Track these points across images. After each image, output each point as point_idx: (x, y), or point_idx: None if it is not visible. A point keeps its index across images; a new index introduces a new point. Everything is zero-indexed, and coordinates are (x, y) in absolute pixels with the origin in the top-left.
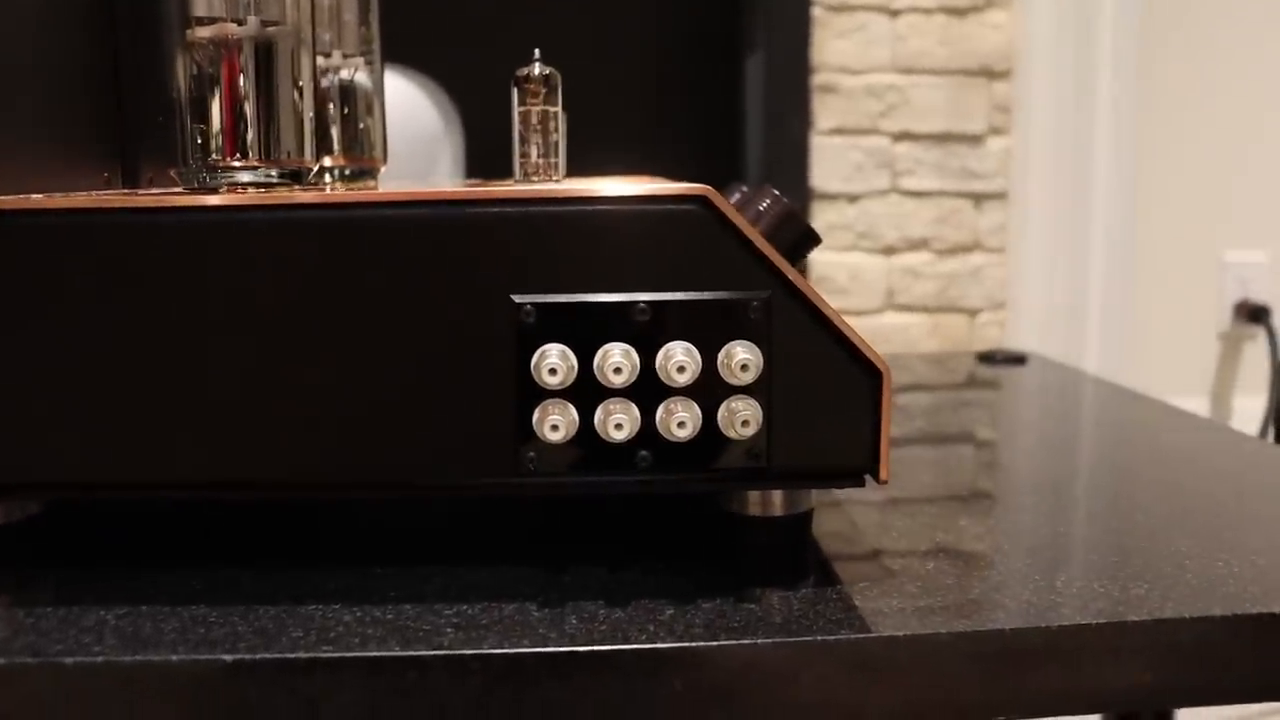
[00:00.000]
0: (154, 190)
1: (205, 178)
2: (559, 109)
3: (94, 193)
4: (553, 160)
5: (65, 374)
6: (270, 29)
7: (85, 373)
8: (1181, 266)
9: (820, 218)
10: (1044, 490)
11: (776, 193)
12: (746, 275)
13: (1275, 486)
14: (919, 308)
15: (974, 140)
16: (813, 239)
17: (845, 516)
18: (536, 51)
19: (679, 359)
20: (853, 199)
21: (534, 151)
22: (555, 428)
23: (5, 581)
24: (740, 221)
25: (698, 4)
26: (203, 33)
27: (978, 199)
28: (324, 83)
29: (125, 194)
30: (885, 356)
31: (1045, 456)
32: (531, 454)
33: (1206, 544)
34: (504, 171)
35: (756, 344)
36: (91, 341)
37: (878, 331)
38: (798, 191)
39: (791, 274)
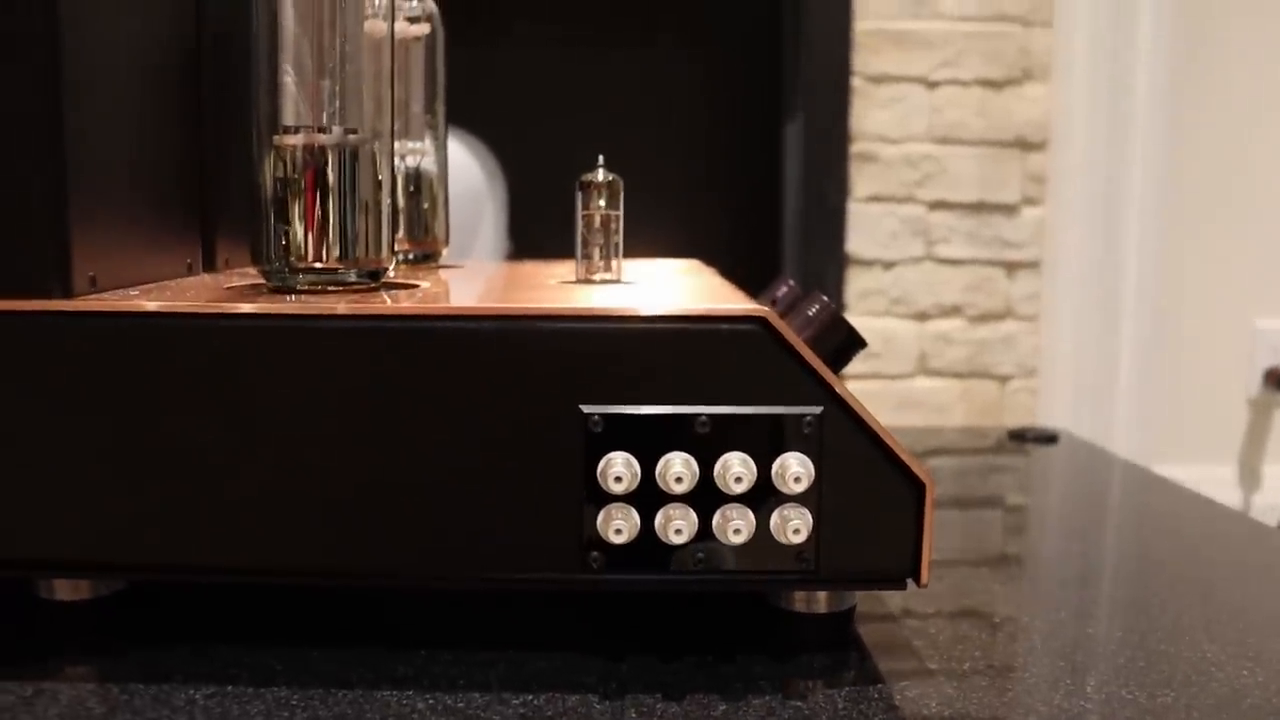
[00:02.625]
0: (245, 288)
1: (288, 276)
2: (620, 213)
3: (188, 284)
4: (613, 261)
5: (153, 464)
6: (352, 136)
7: (172, 463)
8: (1213, 333)
9: (855, 283)
10: (1071, 585)
11: (825, 298)
12: (801, 391)
13: None
14: (950, 373)
15: (1008, 210)
16: (858, 343)
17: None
18: (600, 158)
19: (736, 470)
20: (888, 265)
21: (596, 253)
22: (619, 531)
23: (98, 655)
24: (795, 341)
25: (740, 72)
26: (289, 139)
27: (1011, 267)
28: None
29: (224, 296)
30: (915, 423)
31: (1074, 548)
32: (595, 554)
33: (1232, 649)
34: (545, 228)
35: (809, 456)
36: (183, 435)
37: (909, 396)
38: (834, 257)
39: (842, 391)
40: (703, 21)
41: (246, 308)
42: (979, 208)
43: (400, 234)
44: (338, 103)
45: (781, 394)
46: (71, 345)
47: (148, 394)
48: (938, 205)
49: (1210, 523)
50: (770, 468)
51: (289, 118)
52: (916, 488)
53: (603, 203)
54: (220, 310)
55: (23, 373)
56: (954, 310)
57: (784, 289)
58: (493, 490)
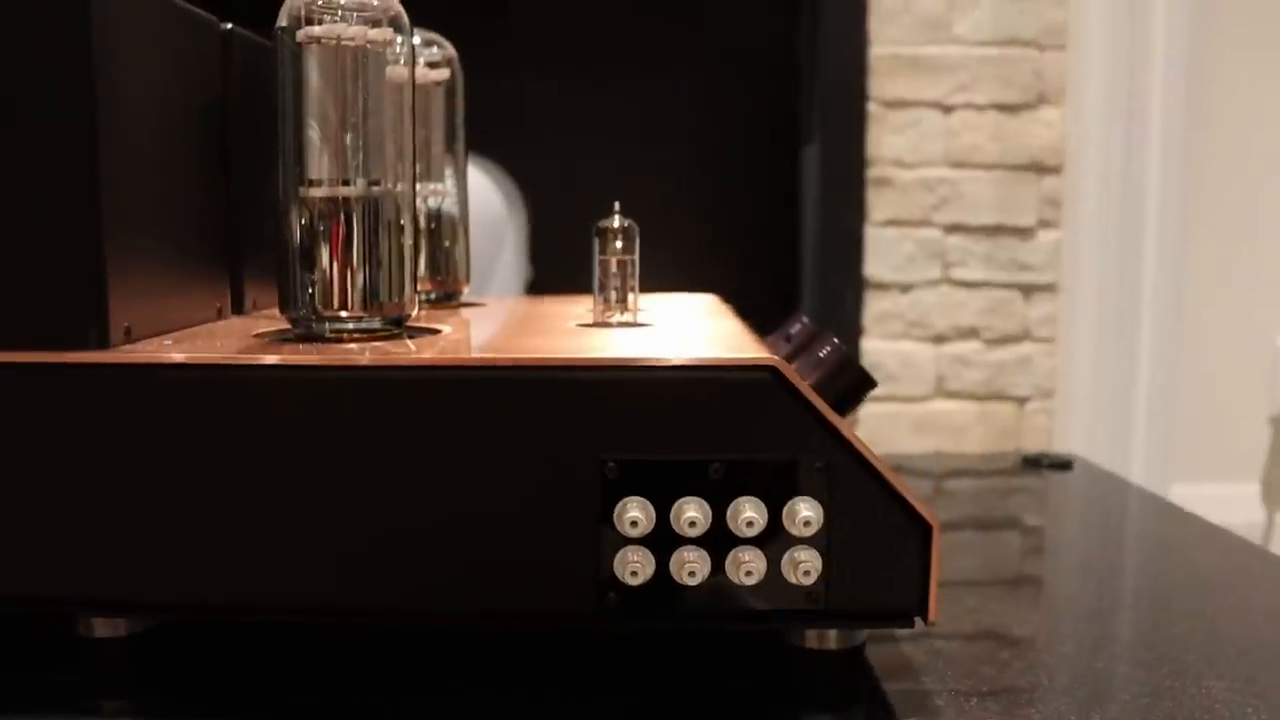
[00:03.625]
0: (272, 335)
1: (315, 324)
2: (635, 257)
3: (219, 330)
4: (629, 303)
5: (186, 508)
6: (375, 189)
7: (204, 507)
8: (1232, 351)
9: (873, 306)
10: (1081, 619)
11: (836, 340)
12: (810, 437)
13: None
14: (967, 395)
15: (1024, 233)
16: (868, 383)
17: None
18: (616, 205)
19: (748, 514)
20: (905, 288)
21: (612, 295)
22: (635, 573)
23: (131, 692)
24: (805, 389)
25: (758, 97)
26: (315, 192)
27: (1027, 290)
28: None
29: (251, 345)
30: (934, 446)
31: (1084, 580)
32: (613, 594)
33: (1238, 686)
34: (565, 253)
35: (818, 500)
36: (214, 481)
37: (926, 418)
38: (851, 280)
39: (850, 436)
40: (720, 48)
41: (271, 359)
42: (995, 231)
43: (422, 273)
44: (360, 156)
45: (792, 440)
46: (108, 394)
47: (180, 441)
48: (954, 229)
49: (1223, 555)
50: (781, 511)
51: (314, 172)
52: (923, 528)
53: (618, 246)
54: (246, 361)
55: (62, 421)
56: (971, 333)
57: (797, 326)
58: (514, 533)
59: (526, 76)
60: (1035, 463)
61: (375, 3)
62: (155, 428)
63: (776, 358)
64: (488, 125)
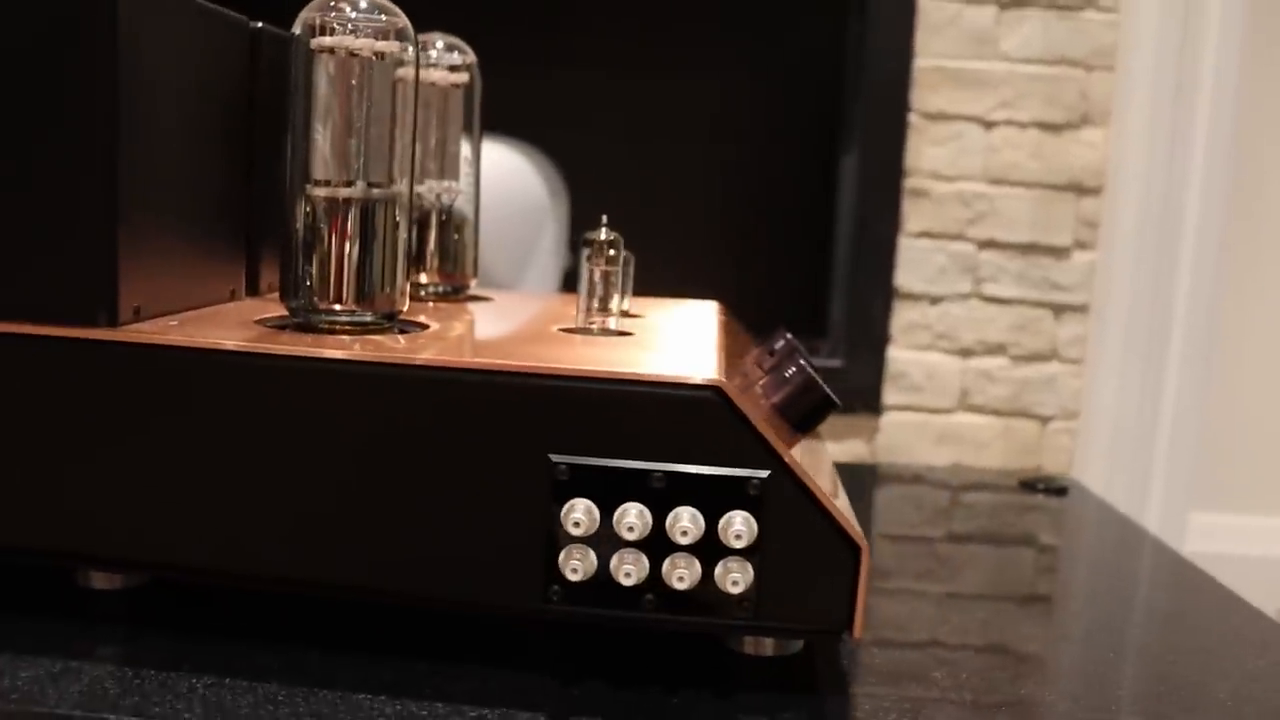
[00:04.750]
0: (268, 323)
1: (311, 315)
2: (619, 268)
3: (224, 313)
4: (611, 312)
5: (176, 477)
6: (375, 190)
7: (191, 476)
8: (1264, 382)
9: (901, 316)
10: (1038, 663)
11: (803, 362)
12: (751, 455)
13: None
14: (990, 410)
15: (1059, 252)
16: (829, 406)
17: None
18: (604, 218)
19: (684, 524)
20: (934, 300)
21: (595, 304)
22: (575, 570)
23: (121, 641)
24: (749, 408)
25: (800, 103)
26: (318, 191)
27: (1058, 310)
28: (425, 205)
29: (238, 332)
30: (954, 459)
31: (1037, 620)
32: (556, 588)
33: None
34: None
35: (753, 515)
36: (197, 452)
37: (948, 430)
38: (881, 289)
39: (788, 459)
40: (766, 52)
41: (246, 347)
42: (1029, 249)
43: (432, 267)
44: (362, 160)
45: (733, 457)
46: (110, 369)
47: (172, 414)
48: (987, 244)
49: (1193, 596)
50: (718, 523)
51: (318, 172)
52: (854, 550)
53: (603, 259)
54: (228, 347)
55: (68, 391)
56: (998, 348)
57: (781, 342)
58: (467, 525)
59: (574, 67)
60: (1031, 486)
61: (383, 17)
62: (151, 401)
63: (721, 379)
64: (534, 114)
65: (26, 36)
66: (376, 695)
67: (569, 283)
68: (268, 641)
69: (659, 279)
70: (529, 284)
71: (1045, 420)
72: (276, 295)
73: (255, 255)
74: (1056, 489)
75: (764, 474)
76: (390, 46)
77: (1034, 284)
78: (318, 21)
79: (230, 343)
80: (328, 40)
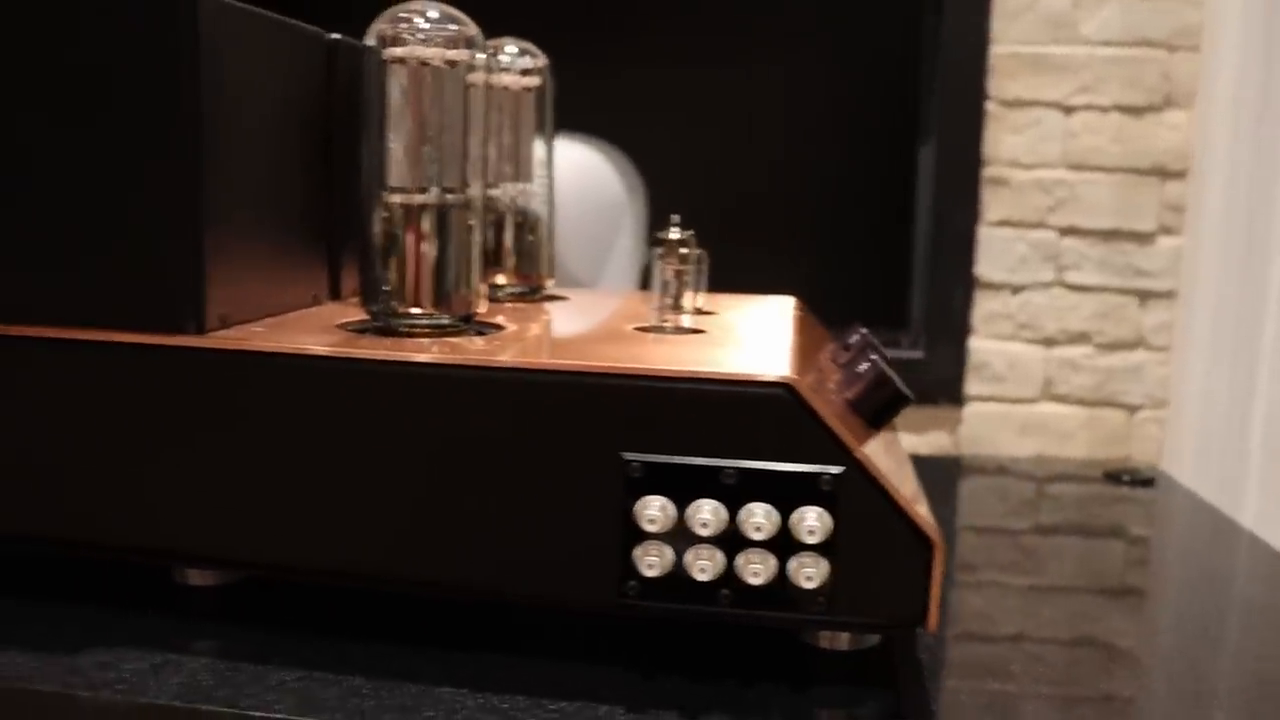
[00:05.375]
0: (349, 328)
1: (391, 318)
2: (691, 267)
3: (308, 318)
4: (683, 310)
5: (265, 478)
6: (449, 196)
7: (278, 478)
8: None
9: (983, 306)
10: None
11: (875, 357)
12: (822, 451)
13: None
14: (1075, 399)
15: (1143, 238)
16: (903, 400)
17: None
18: (675, 217)
19: (757, 519)
20: (1016, 290)
21: (670, 302)
22: (651, 566)
23: (216, 635)
24: (821, 404)
25: (875, 93)
26: (394, 198)
27: (1143, 296)
28: (500, 207)
29: (319, 338)
30: (1035, 451)
31: (1124, 615)
32: (632, 583)
33: None
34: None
35: (827, 510)
36: (284, 454)
37: (1032, 420)
38: (961, 280)
39: (860, 454)
40: (840, 43)
41: (332, 351)
42: (1113, 235)
43: (509, 268)
44: (436, 166)
45: (805, 453)
46: (198, 375)
47: (259, 418)
48: (1069, 231)
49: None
50: (790, 518)
51: (393, 179)
52: (927, 546)
53: (675, 258)
54: (314, 352)
55: (158, 396)
56: (1082, 337)
57: (855, 337)
58: (545, 521)
59: (647, 63)
60: (1116, 477)
61: (454, 26)
62: (237, 405)
63: (793, 376)
64: (608, 111)
65: (114, 53)
66: (459, 688)
67: (648, 278)
68: (353, 636)
69: (736, 273)
70: (608, 280)
71: (1132, 409)
72: (358, 300)
73: (336, 260)
74: (1142, 480)
75: (836, 470)
76: (461, 54)
77: (1118, 271)
78: (389, 33)
79: (311, 348)
80: (399, 51)
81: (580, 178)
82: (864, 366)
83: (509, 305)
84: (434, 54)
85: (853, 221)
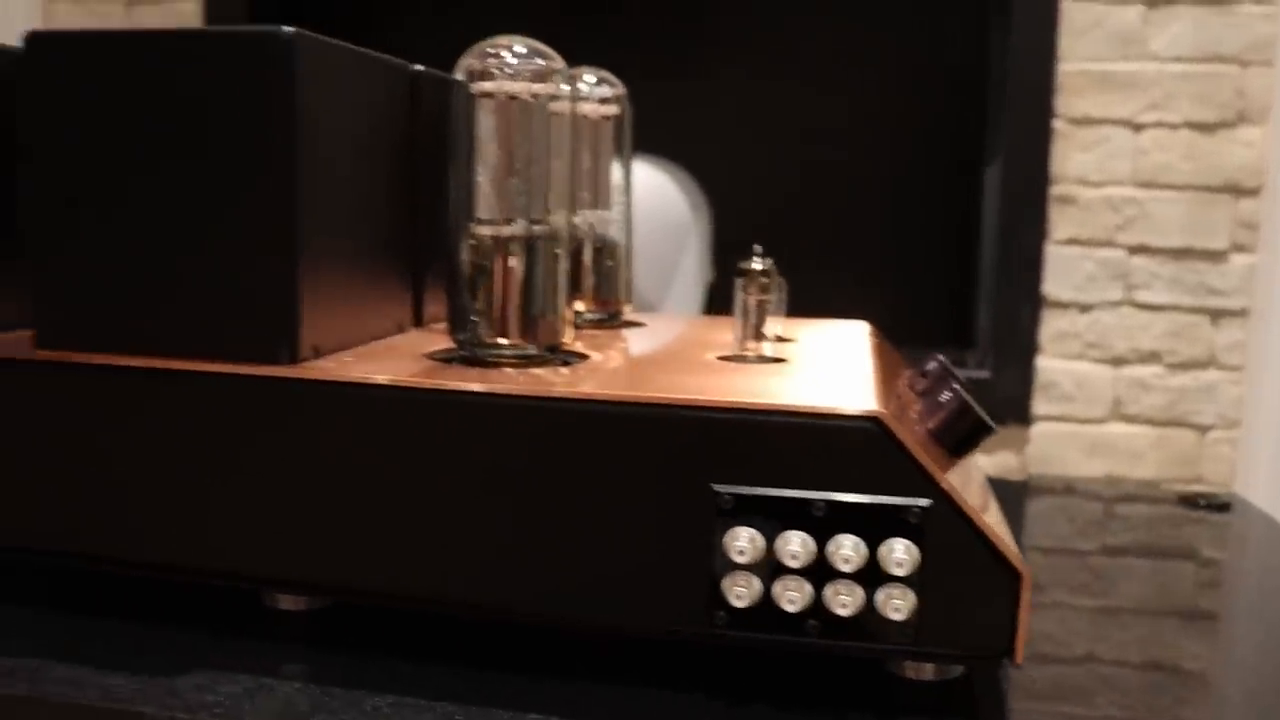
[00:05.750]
0: (438, 356)
1: (478, 349)
2: (772, 297)
3: (395, 347)
4: (764, 338)
5: (356, 506)
6: (536, 228)
7: (369, 505)
8: None
9: (1050, 325)
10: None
11: (957, 386)
12: (910, 484)
13: None
14: (1145, 420)
15: (1215, 256)
16: (985, 430)
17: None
18: (757, 248)
19: (846, 551)
20: (1084, 308)
21: (751, 332)
22: (740, 596)
23: (307, 660)
24: (906, 436)
25: (942, 111)
26: (481, 229)
27: (1215, 315)
28: (579, 234)
29: (414, 368)
30: (1104, 471)
31: (1196, 639)
32: (721, 613)
33: None
34: (743, 256)
35: (914, 543)
36: (375, 482)
37: (1101, 440)
38: (1029, 298)
39: (948, 487)
40: (906, 61)
41: (428, 383)
42: (1184, 253)
43: (588, 294)
44: (524, 199)
45: (893, 485)
46: (294, 405)
47: (352, 448)
48: (1139, 250)
49: None
50: (878, 550)
51: (481, 212)
52: (1014, 577)
53: (757, 289)
54: (409, 384)
55: (252, 424)
56: (1152, 356)
57: (933, 364)
58: (636, 551)
59: (711, 82)
60: (1192, 502)
61: (540, 60)
62: (329, 434)
63: (881, 410)
64: (673, 130)
65: (214, 92)
66: (548, 715)
67: (712, 297)
68: (443, 662)
69: (801, 292)
70: (673, 299)
71: (1204, 430)
72: (441, 326)
73: (419, 288)
74: (1219, 505)
75: (924, 502)
76: (547, 89)
77: (1189, 289)
78: (478, 67)
79: (403, 378)
80: (488, 85)
81: (647, 198)
82: (946, 396)
83: (588, 331)
84: (521, 88)
85: (919, 239)
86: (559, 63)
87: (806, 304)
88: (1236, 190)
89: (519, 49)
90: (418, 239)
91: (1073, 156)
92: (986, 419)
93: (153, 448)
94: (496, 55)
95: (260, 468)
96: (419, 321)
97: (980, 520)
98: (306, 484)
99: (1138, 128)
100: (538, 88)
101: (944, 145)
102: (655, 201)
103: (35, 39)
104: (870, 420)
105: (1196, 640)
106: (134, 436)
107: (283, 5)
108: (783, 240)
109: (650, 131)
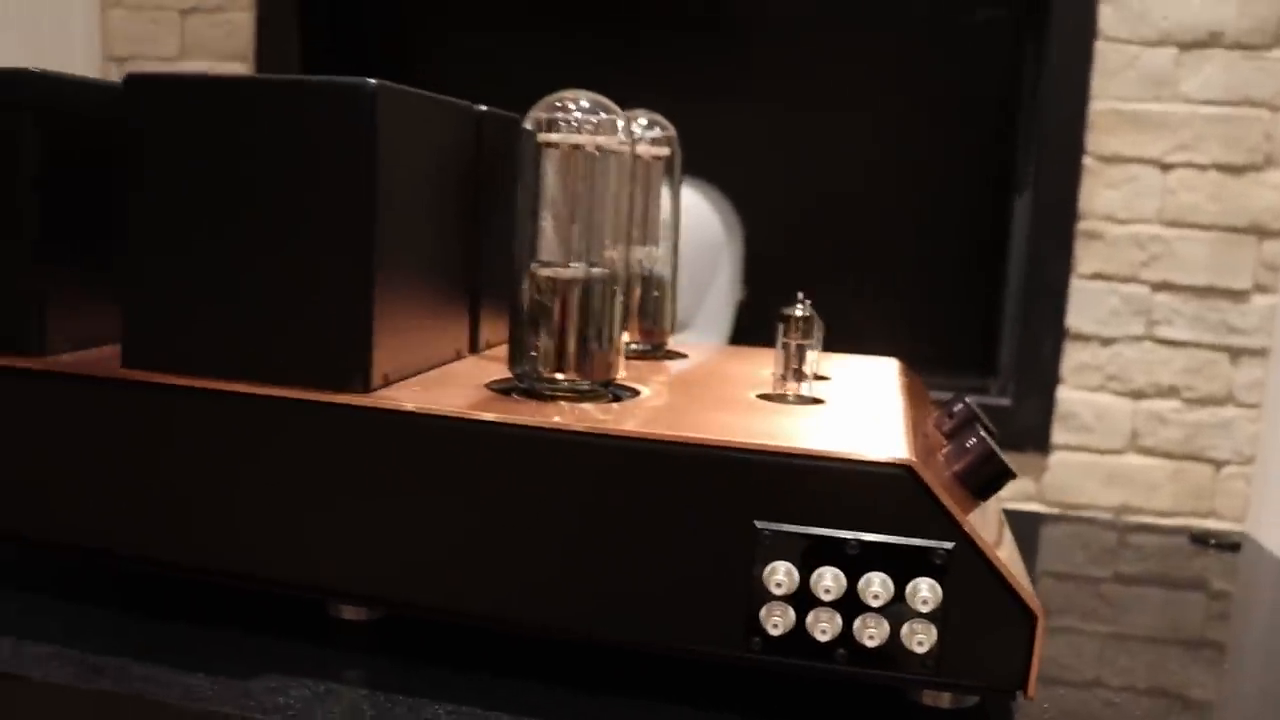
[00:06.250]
0: (497, 388)
1: (536, 382)
2: (814, 341)
3: (456, 375)
4: (805, 384)
5: (417, 527)
6: (595, 271)
7: (429, 526)
8: None
9: (1072, 357)
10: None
11: (983, 433)
12: (936, 527)
13: None
14: (1162, 452)
15: (1237, 296)
16: (1007, 475)
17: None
18: (800, 294)
19: (875, 588)
20: (1106, 342)
21: (791, 374)
22: (775, 625)
23: (371, 668)
24: (934, 481)
25: (973, 144)
26: (543, 271)
27: (1235, 353)
28: (629, 269)
29: (474, 399)
30: (1119, 501)
31: (1203, 672)
32: (757, 639)
33: None
34: (780, 278)
35: (939, 583)
36: (433, 505)
37: (1118, 471)
38: (1052, 330)
39: (971, 531)
40: (939, 94)
41: (491, 416)
42: (1207, 292)
43: (635, 327)
44: (584, 243)
45: (920, 528)
46: (365, 430)
47: (417, 472)
48: (1162, 286)
49: None
50: (905, 588)
51: (543, 254)
52: (1030, 617)
53: (798, 333)
54: (473, 416)
55: (324, 448)
56: (1171, 391)
57: (959, 406)
58: (680, 581)
59: (743, 106)
60: (1202, 540)
61: (602, 114)
62: (395, 458)
63: (913, 458)
64: (706, 152)
65: (302, 137)
66: None
67: (741, 314)
68: (497, 675)
69: (830, 317)
70: (704, 316)
71: (1219, 465)
72: (495, 352)
73: (475, 315)
74: (1229, 545)
75: (949, 545)
76: (610, 141)
77: (1210, 327)
78: (545, 119)
79: (469, 412)
80: (554, 136)
81: (681, 217)
82: (972, 442)
83: (634, 362)
84: (586, 140)
85: (946, 266)
86: (621, 116)
87: (835, 326)
88: (1261, 232)
89: (584, 103)
90: (478, 269)
91: (1101, 193)
92: (1009, 466)
93: (229, 465)
94: (564, 108)
95: (330, 488)
96: (474, 348)
97: (1000, 563)
98: (374, 504)
99: (1166, 167)
100: (601, 140)
101: (974, 175)
102: (689, 221)
103: (134, 81)
104: (902, 468)
105: (1202, 669)
106: (212, 454)
107: (332, 13)
108: (812, 262)
109: (685, 153)
